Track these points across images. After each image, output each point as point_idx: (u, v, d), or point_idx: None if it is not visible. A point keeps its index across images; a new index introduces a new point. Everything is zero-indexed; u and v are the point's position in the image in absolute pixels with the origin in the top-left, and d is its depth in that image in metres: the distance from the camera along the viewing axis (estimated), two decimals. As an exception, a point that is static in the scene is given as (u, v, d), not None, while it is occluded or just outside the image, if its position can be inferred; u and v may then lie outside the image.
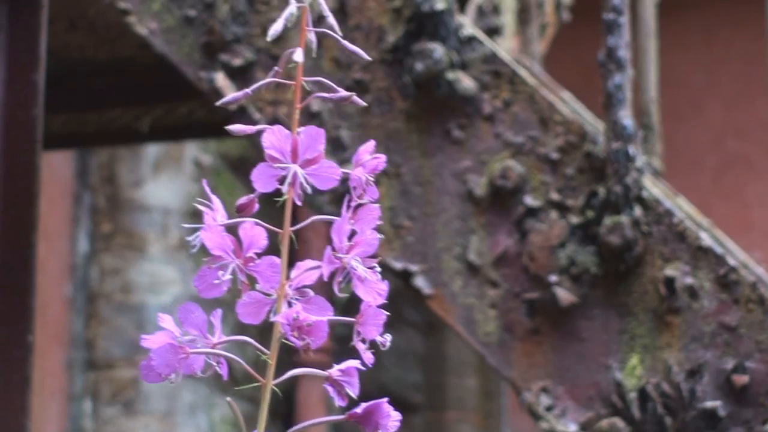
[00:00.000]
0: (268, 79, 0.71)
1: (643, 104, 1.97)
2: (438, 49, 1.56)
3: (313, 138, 0.70)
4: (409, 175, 1.63)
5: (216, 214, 0.69)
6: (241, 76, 1.65)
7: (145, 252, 7.39)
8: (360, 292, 0.70)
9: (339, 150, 1.63)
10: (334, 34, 0.71)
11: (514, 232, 1.58)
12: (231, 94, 1.65)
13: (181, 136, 3.13)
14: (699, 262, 1.53)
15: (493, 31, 2.01)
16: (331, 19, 0.70)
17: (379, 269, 0.70)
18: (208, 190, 0.70)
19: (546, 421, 1.56)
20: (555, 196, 1.57)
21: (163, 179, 7.58)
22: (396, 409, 0.72)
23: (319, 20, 0.72)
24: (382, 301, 0.70)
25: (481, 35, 1.63)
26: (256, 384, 0.70)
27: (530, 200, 1.58)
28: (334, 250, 0.69)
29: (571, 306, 1.56)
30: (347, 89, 1.71)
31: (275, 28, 0.69)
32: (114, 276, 7.30)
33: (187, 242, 0.68)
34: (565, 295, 1.56)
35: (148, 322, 7.27)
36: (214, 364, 0.71)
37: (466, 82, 1.58)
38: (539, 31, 2.07)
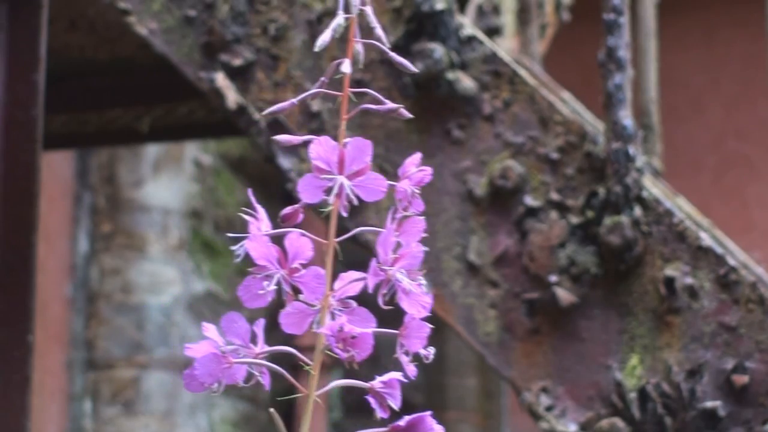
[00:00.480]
0: (314, 90, 0.71)
1: (643, 104, 1.97)
2: (438, 49, 1.56)
3: (360, 149, 0.71)
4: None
5: (261, 223, 0.69)
6: (241, 76, 1.65)
7: (145, 252, 7.39)
8: (404, 304, 0.70)
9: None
10: (382, 46, 0.71)
11: (514, 232, 1.58)
12: (231, 94, 1.65)
13: (181, 136, 3.13)
14: (699, 262, 1.53)
15: (493, 31, 2.01)
16: (379, 31, 0.71)
17: (423, 282, 0.70)
18: (253, 199, 0.70)
19: (546, 421, 1.56)
20: (555, 196, 1.57)
21: (163, 179, 7.57)
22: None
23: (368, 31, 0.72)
24: (426, 313, 0.70)
25: (481, 35, 1.63)
26: (297, 395, 0.70)
27: (530, 200, 1.58)
28: (379, 262, 0.69)
29: (571, 306, 1.56)
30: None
31: (323, 39, 0.70)
32: (114, 276, 7.30)
33: (232, 252, 0.68)
34: (565, 295, 1.56)
35: (148, 322, 7.28)
36: (257, 374, 0.71)
37: (466, 82, 1.58)
38: (539, 31, 2.07)
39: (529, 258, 1.57)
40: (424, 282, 0.70)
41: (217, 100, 1.66)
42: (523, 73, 1.61)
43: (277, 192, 6.99)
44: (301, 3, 1.65)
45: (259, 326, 0.70)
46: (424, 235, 0.71)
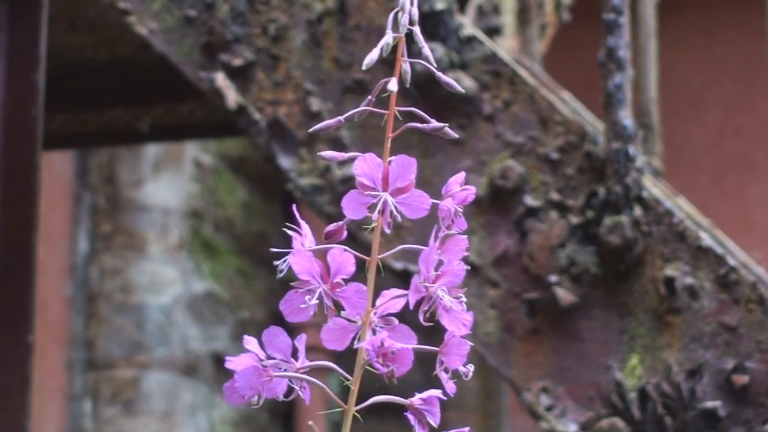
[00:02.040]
0: (361, 108, 0.72)
1: (643, 104, 1.97)
2: (438, 49, 1.56)
3: (404, 167, 0.72)
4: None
5: (304, 239, 0.70)
6: (241, 76, 1.65)
7: (145, 252, 7.39)
8: (445, 321, 0.70)
9: (339, 150, 1.63)
10: (430, 66, 0.72)
11: (514, 232, 1.58)
12: (231, 94, 1.65)
13: (181, 136, 3.13)
14: (699, 262, 1.53)
15: (493, 31, 2.01)
16: (426, 50, 0.72)
17: (464, 299, 0.70)
18: (297, 215, 0.71)
19: (546, 421, 1.56)
20: (555, 196, 1.57)
21: (163, 179, 7.57)
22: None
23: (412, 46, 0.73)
24: (466, 331, 0.70)
25: (481, 35, 1.63)
26: (339, 409, 0.70)
27: (530, 200, 1.58)
28: (421, 279, 0.69)
29: (571, 306, 1.56)
30: (347, 89, 1.71)
31: (371, 57, 0.70)
32: (114, 276, 7.30)
33: (275, 267, 0.69)
34: (565, 295, 1.56)
35: (148, 322, 7.27)
36: (297, 388, 0.71)
37: (466, 82, 1.58)
38: (539, 31, 2.07)
39: (529, 258, 1.57)
40: (464, 299, 0.70)
41: (217, 100, 1.66)
42: (523, 73, 1.61)
43: (277, 192, 6.98)
44: (301, 3, 1.65)
45: (301, 341, 0.71)
46: (467, 253, 0.71)
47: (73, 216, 7.36)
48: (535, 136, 1.58)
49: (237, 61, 1.65)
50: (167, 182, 7.39)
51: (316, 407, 0.80)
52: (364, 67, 0.71)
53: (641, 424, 1.52)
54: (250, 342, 0.70)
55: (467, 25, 1.64)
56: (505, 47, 1.95)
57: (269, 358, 0.71)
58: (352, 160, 0.72)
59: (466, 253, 0.71)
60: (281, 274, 0.70)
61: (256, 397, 0.70)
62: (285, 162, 1.65)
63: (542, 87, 1.62)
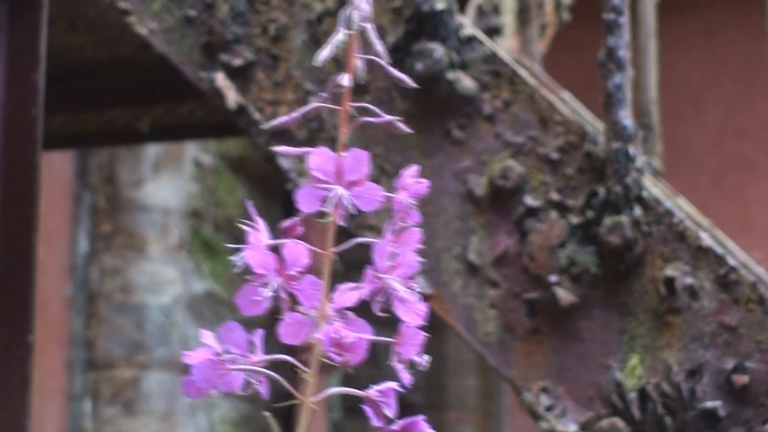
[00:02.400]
0: (314, 105, 0.72)
1: (643, 104, 1.97)
2: (438, 49, 1.56)
3: (357, 160, 0.72)
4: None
5: (259, 234, 0.71)
6: (241, 76, 1.65)
7: (145, 252, 7.39)
8: (400, 312, 0.71)
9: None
10: (382, 62, 0.72)
11: (514, 232, 1.58)
12: (231, 94, 1.65)
13: (181, 136, 3.13)
14: (699, 262, 1.53)
15: (493, 31, 2.01)
16: (379, 47, 0.72)
17: (418, 290, 0.71)
18: (252, 210, 0.72)
19: (546, 421, 1.56)
20: (555, 196, 1.57)
21: (163, 179, 7.57)
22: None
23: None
24: (420, 321, 0.71)
25: (481, 35, 1.63)
26: (294, 401, 0.71)
27: (530, 200, 1.58)
28: (375, 270, 0.70)
29: (571, 306, 1.56)
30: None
31: (323, 54, 0.71)
32: (114, 276, 7.30)
33: (231, 262, 0.69)
34: (565, 295, 1.56)
35: (148, 322, 7.27)
36: (255, 382, 0.72)
37: (466, 82, 1.58)
38: (539, 31, 2.07)
39: (529, 258, 1.57)
40: (419, 290, 0.71)
41: (217, 100, 1.66)
42: (523, 73, 1.61)
43: (277, 192, 6.98)
44: (301, 3, 1.65)
45: (258, 336, 0.71)
46: (421, 246, 0.72)
47: (73, 216, 7.37)
48: (535, 136, 1.58)
49: (237, 61, 1.65)
50: (167, 182, 7.39)
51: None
52: (317, 64, 0.71)
53: (641, 424, 1.52)
54: (206, 336, 0.71)
55: (467, 25, 1.64)
56: (505, 47, 1.95)
57: (226, 352, 0.71)
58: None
59: (419, 246, 0.72)
60: (237, 270, 0.71)
61: (213, 391, 0.71)
62: (285, 162, 1.65)
63: (542, 87, 1.62)
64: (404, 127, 0.74)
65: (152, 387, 5.05)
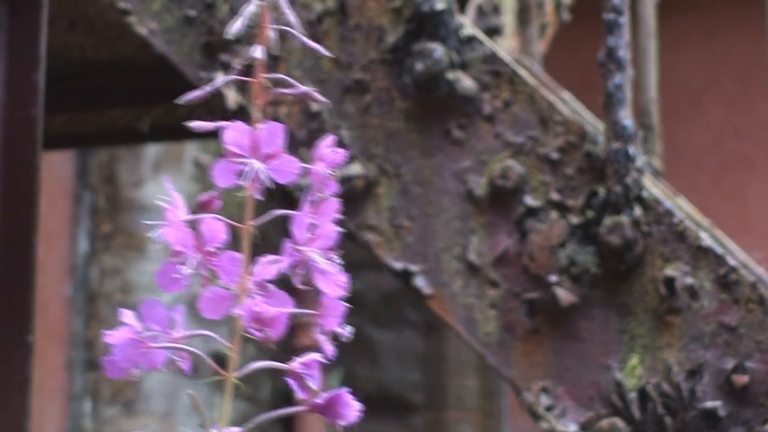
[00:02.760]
0: (228, 78, 0.73)
1: (643, 104, 1.97)
2: (438, 49, 1.56)
3: (272, 133, 0.72)
4: (409, 175, 1.63)
5: (177, 210, 0.70)
6: (241, 76, 1.65)
7: (145, 252, 7.39)
8: (320, 284, 0.71)
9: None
10: (295, 32, 0.72)
11: (514, 232, 1.58)
12: (231, 94, 1.66)
13: (181, 136, 3.13)
14: (699, 262, 1.53)
15: (493, 31, 2.01)
16: (291, 17, 0.72)
17: (339, 261, 0.71)
18: (170, 187, 0.71)
19: (546, 421, 1.56)
20: (555, 196, 1.57)
21: (163, 179, 7.50)
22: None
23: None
24: (342, 292, 0.71)
25: (481, 35, 1.63)
26: (219, 377, 0.71)
27: (530, 200, 1.58)
28: (294, 243, 0.70)
29: (571, 306, 1.56)
30: (347, 89, 1.72)
31: (235, 27, 0.71)
32: (114, 276, 7.30)
33: (149, 238, 0.69)
34: (565, 295, 1.56)
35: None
36: (177, 359, 0.72)
37: (466, 82, 1.58)
38: (539, 31, 2.07)
39: (529, 258, 1.57)
40: (339, 261, 0.71)
41: (217, 100, 1.66)
42: (523, 73, 1.61)
43: (276, 191, 6.92)
44: (301, 3, 1.65)
45: (179, 312, 0.72)
46: (337, 216, 0.72)
47: (73, 216, 7.36)
48: (535, 136, 1.58)
49: (237, 61, 1.64)
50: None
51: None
52: (231, 36, 0.71)
53: (641, 424, 1.52)
54: (126, 315, 0.71)
55: (467, 25, 1.64)
56: (505, 47, 1.95)
57: (147, 330, 0.71)
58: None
59: (338, 216, 0.72)
60: (157, 246, 0.71)
61: (136, 370, 0.71)
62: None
63: (542, 87, 1.62)
64: (320, 97, 0.74)
65: (152, 387, 5.05)
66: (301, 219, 0.72)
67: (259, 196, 0.71)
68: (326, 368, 0.74)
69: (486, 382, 4.95)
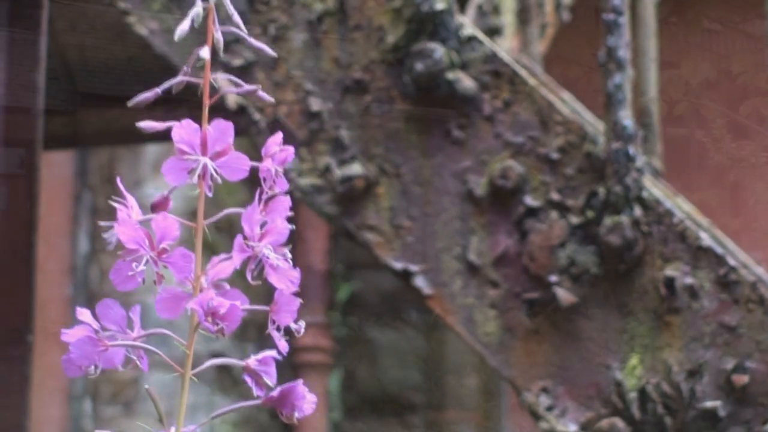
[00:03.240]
0: (178, 79, 0.73)
1: (643, 104, 1.97)
2: (438, 49, 1.56)
3: (221, 131, 0.73)
4: (409, 175, 1.63)
5: (130, 210, 0.71)
6: (241, 76, 1.65)
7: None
8: (273, 279, 0.71)
9: (339, 150, 1.63)
10: (241, 33, 0.72)
11: (514, 232, 1.58)
12: (232, 95, 1.65)
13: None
14: (699, 262, 1.53)
15: (493, 31, 2.01)
16: (237, 18, 0.73)
17: (290, 257, 0.71)
18: (122, 187, 0.72)
19: (546, 421, 1.56)
20: (555, 196, 1.57)
21: (163, 179, 7.48)
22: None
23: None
24: (294, 288, 0.71)
25: (481, 35, 1.63)
26: (176, 374, 0.72)
27: (530, 200, 1.58)
28: (245, 238, 0.71)
29: (571, 306, 1.56)
30: (347, 89, 1.72)
31: (182, 28, 0.71)
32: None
33: (103, 239, 0.70)
34: (565, 295, 1.56)
35: (148, 322, 7.28)
36: (134, 357, 0.73)
37: (466, 82, 1.58)
38: (539, 31, 2.07)
39: (529, 258, 1.57)
40: (290, 257, 0.71)
41: (218, 100, 1.65)
42: (523, 73, 1.61)
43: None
44: (301, 3, 1.65)
45: (135, 312, 0.73)
46: (290, 213, 0.72)
47: (73, 216, 7.36)
48: (535, 136, 1.58)
49: (237, 61, 1.65)
50: (167, 182, 7.32)
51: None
52: (176, 38, 0.72)
53: (641, 424, 1.52)
54: (83, 314, 0.72)
55: (467, 25, 1.64)
56: (505, 47, 1.95)
57: (104, 330, 0.72)
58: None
59: (289, 213, 0.72)
60: (110, 247, 0.71)
61: (93, 368, 0.72)
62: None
63: (542, 87, 1.62)
64: (266, 96, 0.75)
65: (152, 387, 5.04)
66: (251, 215, 0.72)
67: (209, 193, 0.72)
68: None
69: (486, 382, 4.95)
